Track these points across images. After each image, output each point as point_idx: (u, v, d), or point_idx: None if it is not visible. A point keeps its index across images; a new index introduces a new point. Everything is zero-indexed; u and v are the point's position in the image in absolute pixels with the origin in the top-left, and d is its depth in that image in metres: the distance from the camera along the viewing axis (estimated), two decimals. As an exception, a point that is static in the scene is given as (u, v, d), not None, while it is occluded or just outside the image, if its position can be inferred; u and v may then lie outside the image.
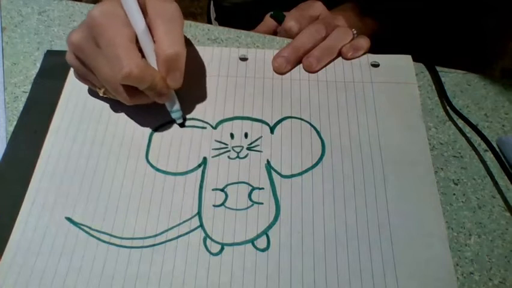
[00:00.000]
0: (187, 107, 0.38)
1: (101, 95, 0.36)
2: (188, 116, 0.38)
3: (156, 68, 0.33)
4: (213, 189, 0.34)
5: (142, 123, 0.37)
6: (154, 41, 0.33)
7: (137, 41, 0.33)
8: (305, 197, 0.34)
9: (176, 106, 0.36)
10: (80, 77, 0.36)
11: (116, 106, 0.38)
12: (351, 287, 0.30)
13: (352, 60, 0.41)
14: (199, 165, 0.35)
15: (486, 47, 0.60)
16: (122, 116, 0.38)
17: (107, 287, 0.30)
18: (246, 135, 0.37)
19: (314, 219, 0.33)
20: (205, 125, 0.37)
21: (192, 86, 0.39)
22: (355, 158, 0.36)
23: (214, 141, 0.36)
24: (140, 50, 0.33)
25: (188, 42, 0.43)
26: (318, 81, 0.40)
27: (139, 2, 0.32)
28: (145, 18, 0.33)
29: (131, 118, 0.37)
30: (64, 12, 0.46)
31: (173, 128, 0.37)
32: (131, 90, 0.33)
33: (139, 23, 0.32)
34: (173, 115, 0.36)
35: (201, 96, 0.39)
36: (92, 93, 0.39)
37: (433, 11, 0.51)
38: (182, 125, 0.37)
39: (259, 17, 0.51)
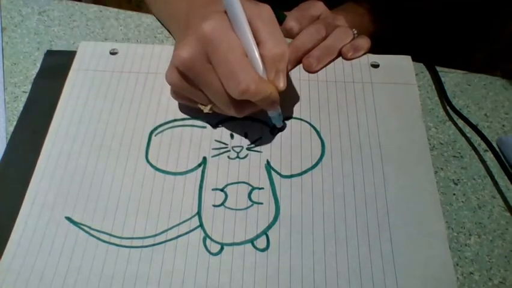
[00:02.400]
0: (187, 107, 0.38)
1: (206, 111, 0.35)
2: (188, 116, 0.38)
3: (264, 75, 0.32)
4: (212, 189, 0.34)
5: (142, 123, 0.37)
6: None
7: None
8: (305, 197, 0.34)
9: (279, 110, 0.35)
10: (179, 96, 0.36)
11: (116, 106, 0.38)
12: (351, 287, 0.30)
13: (352, 61, 0.41)
14: (199, 165, 0.35)
15: (488, 47, 0.60)
16: (122, 116, 0.38)
17: (107, 286, 0.30)
18: (246, 135, 0.37)
19: (314, 220, 0.33)
20: (205, 124, 0.37)
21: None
22: (355, 158, 0.36)
23: (214, 141, 0.36)
24: None
25: None
26: (318, 81, 0.40)
27: None
28: None
29: (131, 118, 0.37)
30: (64, 12, 0.46)
31: (172, 127, 0.37)
32: (243, 103, 0.32)
33: (248, 35, 0.31)
34: (276, 120, 0.36)
35: None
36: (92, 93, 0.39)
37: (433, 11, 0.51)
38: (282, 129, 0.37)
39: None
